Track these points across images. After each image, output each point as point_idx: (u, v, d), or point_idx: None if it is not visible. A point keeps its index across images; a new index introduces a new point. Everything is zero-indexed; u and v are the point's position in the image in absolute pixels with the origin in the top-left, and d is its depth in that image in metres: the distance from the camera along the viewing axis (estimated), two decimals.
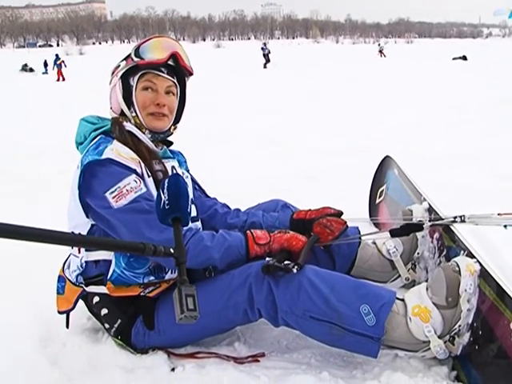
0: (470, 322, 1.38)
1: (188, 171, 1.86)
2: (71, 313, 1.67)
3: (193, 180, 1.88)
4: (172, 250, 1.12)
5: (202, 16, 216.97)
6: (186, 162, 1.88)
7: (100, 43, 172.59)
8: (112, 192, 1.46)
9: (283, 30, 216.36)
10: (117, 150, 1.53)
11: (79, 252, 1.58)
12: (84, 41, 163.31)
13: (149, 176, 1.56)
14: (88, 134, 1.62)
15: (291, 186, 3.26)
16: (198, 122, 5.98)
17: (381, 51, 34.60)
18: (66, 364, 1.55)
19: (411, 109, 7.69)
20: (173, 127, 1.70)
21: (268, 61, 24.90)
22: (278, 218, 1.83)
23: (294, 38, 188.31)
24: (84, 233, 1.56)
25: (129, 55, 1.63)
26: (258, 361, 1.56)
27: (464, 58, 26.15)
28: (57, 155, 4.74)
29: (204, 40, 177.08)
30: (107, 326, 1.62)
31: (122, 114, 1.65)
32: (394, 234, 1.79)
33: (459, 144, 4.87)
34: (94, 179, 1.49)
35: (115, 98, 1.65)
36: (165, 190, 1.16)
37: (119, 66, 1.65)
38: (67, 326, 1.68)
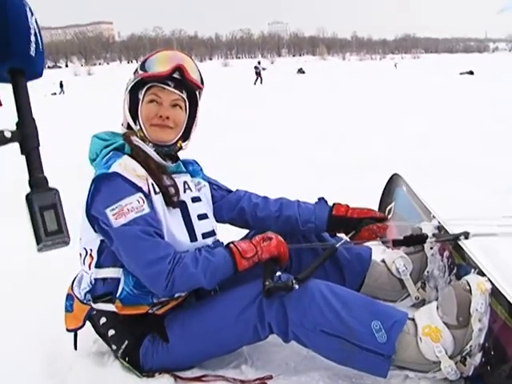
0: (481, 342, 1.35)
1: (205, 179, 1.81)
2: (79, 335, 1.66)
3: (211, 182, 1.83)
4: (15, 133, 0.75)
5: (209, 35, 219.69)
6: (201, 170, 1.83)
7: (108, 63, 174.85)
8: (113, 209, 1.45)
9: (290, 47, 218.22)
10: (125, 165, 1.51)
11: (90, 268, 1.57)
12: (92, 61, 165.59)
13: (156, 193, 1.54)
14: (100, 151, 1.61)
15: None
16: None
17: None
18: None
19: (418, 123, 7.67)
20: (181, 142, 1.66)
21: (258, 79, 26.24)
22: (314, 212, 1.78)
23: (300, 56, 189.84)
24: (95, 249, 1.55)
25: (137, 69, 1.63)
26: (266, 383, 1.54)
27: (471, 72, 26.18)
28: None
29: (211, 59, 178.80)
30: (114, 347, 1.60)
31: (130, 128, 1.63)
32: (397, 244, 1.80)
33: (466, 158, 4.85)
34: (98, 193, 1.48)
35: (123, 112, 1.65)
36: None
37: (129, 79, 1.64)
38: (75, 347, 1.67)
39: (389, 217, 2.46)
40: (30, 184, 0.71)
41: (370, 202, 2.72)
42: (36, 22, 0.82)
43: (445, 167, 4.41)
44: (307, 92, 16.39)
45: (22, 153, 0.73)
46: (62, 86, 28.63)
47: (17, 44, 0.79)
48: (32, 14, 0.81)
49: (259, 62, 28.53)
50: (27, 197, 0.69)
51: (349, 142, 6.14)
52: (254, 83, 25.81)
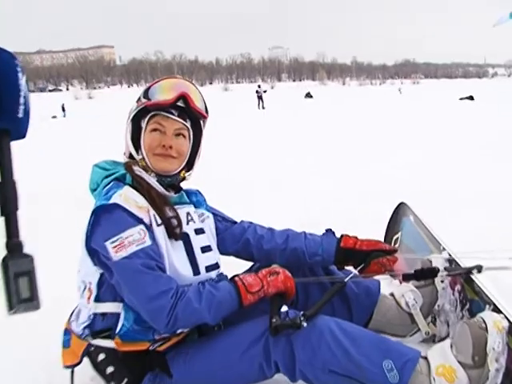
0: (498, 382, 1.30)
1: (208, 210, 1.78)
2: (75, 372, 1.60)
3: (214, 213, 1.80)
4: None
5: (210, 60, 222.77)
6: (205, 200, 1.80)
7: (109, 87, 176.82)
8: (113, 242, 1.41)
9: (290, 72, 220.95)
10: (125, 196, 1.48)
11: (88, 302, 1.52)
12: (93, 85, 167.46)
13: (158, 225, 1.50)
14: (100, 181, 1.58)
15: (317, 227, 3.13)
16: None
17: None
18: None
19: (420, 149, 7.67)
20: (185, 172, 1.63)
21: (260, 102, 26.90)
22: (321, 244, 1.74)
23: (300, 81, 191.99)
24: (94, 282, 1.51)
25: (140, 97, 1.61)
26: None
27: (471, 97, 26.41)
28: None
29: (211, 83, 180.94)
30: None
31: (132, 157, 1.61)
32: (407, 278, 1.74)
33: (472, 185, 4.82)
34: (98, 225, 1.45)
35: (125, 142, 1.62)
36: None
37: (132, 108, 1.62)
38: None
39: (395, 246, 2.41)
40: (7, 248, 0.70)
41: (375, 231, 2.68)
42: (26, 81, 0.81)
43: (451, 195, 4.37)
44: (313, 119, 16.45)
45: (2, 214, 0.72)
46: (64, 109, 28.86)
47: (6, 105, 0.79)
48: (23, 74, 0.80)
49: (259, 86, 29.32)
50: (3, 261, 0.68)
51: (356, 170, 6.12)
52: (258, 107, 26.48)
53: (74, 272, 1.60)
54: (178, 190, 1.68)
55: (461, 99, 26.27)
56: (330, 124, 13.63)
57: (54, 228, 3.73)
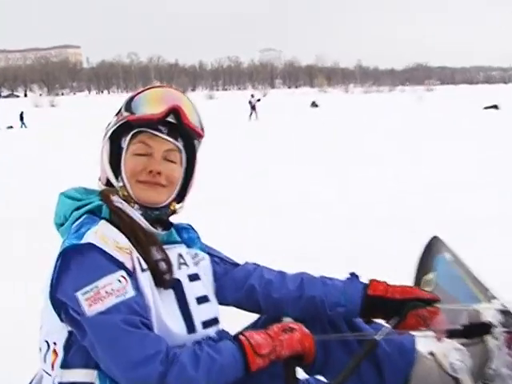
0: None
1: (203, 249, 1.71)
2: None
3: (211, 254, 1.73)
4: None
5: (192, 63, 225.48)
6: (199, 237, 1.73)
7: (74, 93, 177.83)
8: (86, 292, 1.33)
9: (285, 78, 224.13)
10: (102, 234, 1.40)
11: (53, 369, 1.43)
12: (56, 91, 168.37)
13: (143, 270, 1.43)
14: (69, 214, 1.50)
15: (316, 263, 3.08)
16: None
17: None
18: None
19: (447, 168, 7.71)
20: (176, 204, 1.57)
21: (253, 113, 28.64)
22: (343, 291, 1.66)
23: (296, 88, 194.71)
24: (60, 343, 1.42)
25: (120, 110, 1.54)
26: None
27: (495, 107, 26.87)
28: None
29: (194, 90, 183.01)
30: None
31: (109, 184, 1.54)
32: (454, 335, 1.65)
33: (504, 210, 4.79)
34: (67, 271, 1.36)
35: (101, 164, 1.56)
36: None
37: (109, 123, 1.56)
38: None
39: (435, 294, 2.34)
40: None
41: (397, 269, 2.61)
42: None
43: (479, 223, 4.32)
44: (318, 132, 16.58)
45: None
46: (22, 118, 28.87)
47: None
48: None
49: (252, 95, 30.49)
50: None
51: (370, 193, 6.10)
52: (249, 118, 27.95)
53: (36, 327, 1.52)
54: (167, 225, 1.61)
55: (486, 108, 26.69)
56: (338, 137, 13.71)
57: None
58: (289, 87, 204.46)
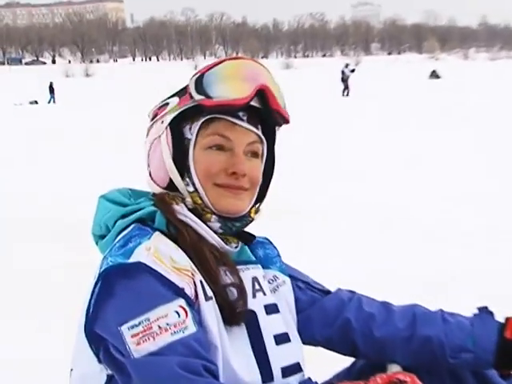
0: None
1: (283, 271, 1.67)
2: None
3: (294, 277, 1.70)
4: None
5: (264, 23, 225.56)
6: (279, 255, 1.70)
7: (116, 60, 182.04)
8: (133, 327, 1.30)
9: (383, 41, 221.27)
10: (156, 251, 1.37)
11: None
12: (92, 56, 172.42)
13: (208, 298, 1.40)
14: (113, 223, 1.48)
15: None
16: None
17: None
18: None
19: None
20: (254, 210, 1.52)
21: (346, 87, 28.56)
22: (471, 332, 1.60)
23: (399, 54, 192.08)
24: None
25: (184, 89, 1.49)
26: None
27: None
28: None
29: (266, 57, 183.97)
30: None
31: (171, 187, 1.50)
32: None
33: None
34: (109, 298, 1.34)
35: (158, 160, 1.50)
36: None
37: (166, 104, 1.51)
38: None
39: None
40: None
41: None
42: None
43: None
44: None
45: None
46: (52, 90, 29.41)
47: None
48: None
49: (347, 65, 30.22)
50: None
51: None
52: (343, 93, 28.05)
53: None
54: (243, 239, 1.57)
55: None
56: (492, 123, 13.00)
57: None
58: (389, 53, 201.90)
